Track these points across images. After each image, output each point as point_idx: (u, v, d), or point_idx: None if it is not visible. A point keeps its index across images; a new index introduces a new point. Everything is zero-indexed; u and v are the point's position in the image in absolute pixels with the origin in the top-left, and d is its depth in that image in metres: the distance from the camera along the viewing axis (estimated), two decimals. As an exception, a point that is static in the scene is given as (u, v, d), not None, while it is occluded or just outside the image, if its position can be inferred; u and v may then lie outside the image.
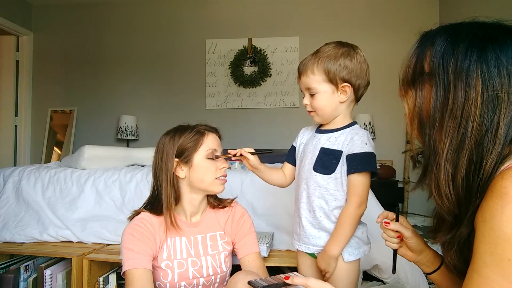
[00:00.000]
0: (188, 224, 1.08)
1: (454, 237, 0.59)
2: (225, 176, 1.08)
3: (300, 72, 0.99)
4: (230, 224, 1.14)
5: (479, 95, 0.54)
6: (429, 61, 0.60)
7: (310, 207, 0.99)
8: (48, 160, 3.85)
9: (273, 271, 1.53)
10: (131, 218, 1.07)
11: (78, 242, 1.63)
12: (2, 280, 1.49)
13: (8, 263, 1.55)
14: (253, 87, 3.76)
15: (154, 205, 1.05)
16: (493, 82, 0.54)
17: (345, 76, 0.94)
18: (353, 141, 0.94)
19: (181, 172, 1.04)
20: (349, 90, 0.95)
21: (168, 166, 1.03)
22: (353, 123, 1.01)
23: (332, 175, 0.96)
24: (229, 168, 1.11)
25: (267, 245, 1.34)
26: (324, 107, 0.97)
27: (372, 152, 0.94)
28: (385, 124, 3.60)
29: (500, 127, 0.54)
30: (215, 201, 1.15)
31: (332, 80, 0.94)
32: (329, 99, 0.96)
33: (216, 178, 1.05)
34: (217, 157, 1.06)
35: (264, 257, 1.37)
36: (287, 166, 1.13)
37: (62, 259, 1.56)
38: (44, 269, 1.50)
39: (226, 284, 1.12)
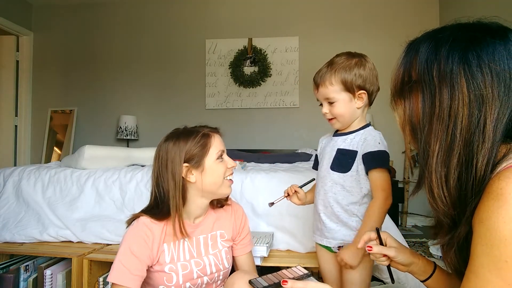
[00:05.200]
0: (192, 226, 1.08)
1: (452, 238, 0.60)
2: (231, 174, 1.09)
3: (318, 84, 1.06)
4: (233, 223, 1.15)
5: (465, 95, 0.55)
6: (415, 68, 0.62)
7: (326, 203, 1.07)
8: (48, 160, 3.86)
9: (273, 271, 1.53)
10: (129, 222, 1.04)
11: (78, 242, 1.63)
12: (2, 280, 1.49)
13: (8, 263, 1.55)
14: (253, 87, 3.76)
15: (155, 211, 1.02)
16: (477, 81, 0.55)
17: (360, 84, 1.02)
18: (366, 141, 1.02)
19: (192, 176, 1.01)
20: (365, 96, 1.03)
21: (175, 173, 0.99)
22: (367, 125, 1.08)
23: (348, 173, 1.04)
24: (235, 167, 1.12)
25: (267, 245, 1.34)
26: (344, 114, 1.05)
27: (385, 151, 1.01)
28: (385, 124, 3.58)
29: (487, 123, 0.54)
30: (216, 201, 1.15)
31: (350, 89, 1.02)
32: (347, 106, 1.04)
33: (224, 178, 1.05)
34: (272, 204, 1.10)
35: (264, 257, 1.37)
36: None
37: (62, 259, 1.57)
38: (44, 269, 1.50)
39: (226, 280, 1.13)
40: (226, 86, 3.81)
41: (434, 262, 0.79)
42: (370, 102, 1.08)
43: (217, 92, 3.82)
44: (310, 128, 3.67)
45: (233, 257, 1.16)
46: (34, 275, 1.55)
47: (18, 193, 1.76)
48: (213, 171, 1.02)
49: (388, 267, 0.81)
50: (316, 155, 1.22)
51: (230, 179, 1.08)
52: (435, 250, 2.55)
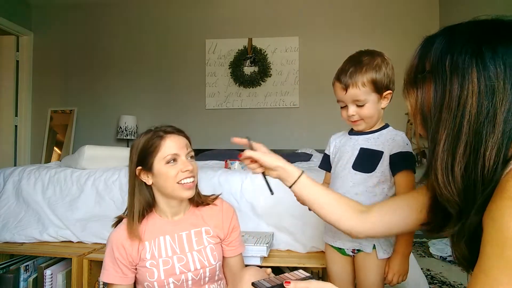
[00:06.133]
0: (171, 223, 1.08)
1: (463, 228, 0.59)
2: (191, 177, 1.03)
3: (348, 85, 0.99)
4: (221, 223, 1.12)
5: (475, 85, 0.55)
6: (429, 59, 0.62)
7: None
8: (48, 160, 3.85)
9: (273, 271, 1.53)
10: (114, 225, 1.08)
11: (78, 242, 1.63)
12: (2, 280, 1.49)
13: (8, 263, 1.55)
14: (253, 87, 3.76)
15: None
16: (488, 73, 0.55)
17: (387, 84, 1.00)
18: (395, 141, 1.01)
19: (147, 178, 1.02)
20: (390, 96, 1.02)
21: (131, 173, 1.02)
22: (387, 125, 1.07)
23: (372, 173, 1.01)
24: (189, 170, 1.05)
25: (267, 245, 1.34)
26: (373, 115, 1.02)
27: (412, 152, 1.00)
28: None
29: (497, 114, 0.54)
30: (199, 199, 1.12)
31: (379, 89, 0.99)
32: (375, 107, 1.01)
33: (177, 183, 1.00)
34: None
35: (264, 257, 1.37)
36: (328, 175, 1.18)
37: (62, 259, 1.57)
38: (44, 269, 1.50)
39: (217, 278, 1.12)
40: (226, 86, 3.81)
41: (302, 170, 0.87)
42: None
43: (217, 92, 3.82)
44: (310, 128, 3.67)
45: (223, 257, 1.15)
46: (34, 275, 1.55)
47: (18, 193, 1.76)
48: (161, 175, 1.00)
49: (263, 175, 0.89)
50: (325, 154, 1.18)
51: (186, 183, 1.02)
52: (435, 250, 2.55)
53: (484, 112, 0.55)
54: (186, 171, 1.01)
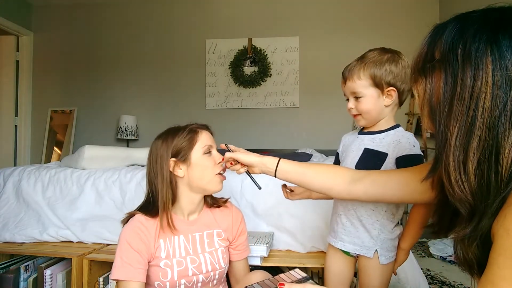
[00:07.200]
0: (186, 223, 1.08)
1: (475, 231, 0.55)
2: (224, 171, 1.08)
3: (346, 78, 1.01)
4: (231, 226, 1.15)
5: (489, 75, 0.51)
6: (439, 48, 0.58)
7: (349, 205, 1.02)
8: (48, 160, 3.86)
9: (273, 271, 1.53)
10: (125, 221, 1.06)
11: (78, 242, 1.63)
12: (2, 280, 1.49)
13: (8, 263, 1.55)
14: (253, 87, 3.76)
15: (149, 208, 1.05)
16: (506, 63, 0.50)
17: (390, 81, 0.97)
18: (400, 143, 0.97)
19: (180, 171, 1.04)
20: (394, 94, 0.98)
21: (163, 167, 1.03)
22: (397, 125, 1.04)
23: None
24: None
25: (267, 245, 1.34)
26: (370, 111, 1.00)
27: (420, 154, 0.97)
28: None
29: None
30: (212, 200, 1.16)
31: (378, 84, 0.97)
32: (375, 102, 0.99)
33: (216, 174, 1.05)
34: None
35: (264, 257, 1.37)
36: None
37: (62, 259, 1.57)
38: (44, 269, 1.50)
39: (222, 280, 1.13)
40: (226, 86, 3.81)
41: (279, 157, 0.94)
42: (400, 102, 1.03)
43: (217, 92, 3.82)
44: (310, 128, 3.67)
45: (232, 261, 1.16)
46: (34, 275, 1.55)
47: (18, 193, 1.76)
48: (199, 165, 1.04)
49: (248, 174, 0.97)
50: (337, 153, 1.18)
51: (220, 174, 1.07)
52: (435, 250, 2.55)
53: (500, 105, 0.50)
54: (220, 162, 1.07)
